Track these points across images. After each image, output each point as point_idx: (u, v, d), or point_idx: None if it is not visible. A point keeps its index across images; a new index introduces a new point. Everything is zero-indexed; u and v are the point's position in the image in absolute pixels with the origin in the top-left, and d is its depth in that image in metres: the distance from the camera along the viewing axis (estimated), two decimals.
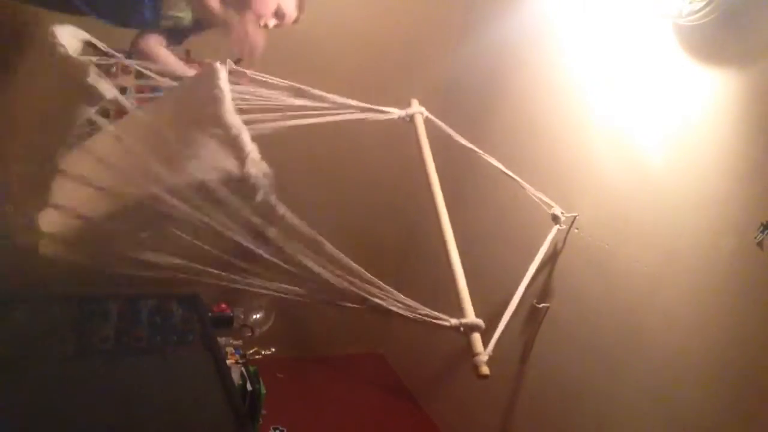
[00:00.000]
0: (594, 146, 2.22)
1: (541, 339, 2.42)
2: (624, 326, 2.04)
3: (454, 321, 1.52)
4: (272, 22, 1.71)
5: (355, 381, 3.42)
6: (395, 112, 1.87)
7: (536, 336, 2.43)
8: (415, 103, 1.96)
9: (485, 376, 1.50)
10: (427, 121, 1.98)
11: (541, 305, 2.39)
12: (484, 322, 1.51)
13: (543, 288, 2.42)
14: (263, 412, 2.17)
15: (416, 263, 3.21)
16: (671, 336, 1.87)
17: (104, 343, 1.85)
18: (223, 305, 2.39)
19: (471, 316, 1.57)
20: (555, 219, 2.25)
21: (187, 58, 2.36)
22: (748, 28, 1.70)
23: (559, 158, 2.36)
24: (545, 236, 2.27)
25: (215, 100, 1.14)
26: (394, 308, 1.33)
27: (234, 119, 1.07)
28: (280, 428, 2.44)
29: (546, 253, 2.40)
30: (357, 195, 3.09)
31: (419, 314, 1.40)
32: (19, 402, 1.52)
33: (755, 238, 1.61)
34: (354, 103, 1.79)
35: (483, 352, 1.51)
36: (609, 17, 2.20)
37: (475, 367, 1.52)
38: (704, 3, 1.70)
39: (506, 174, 2.16)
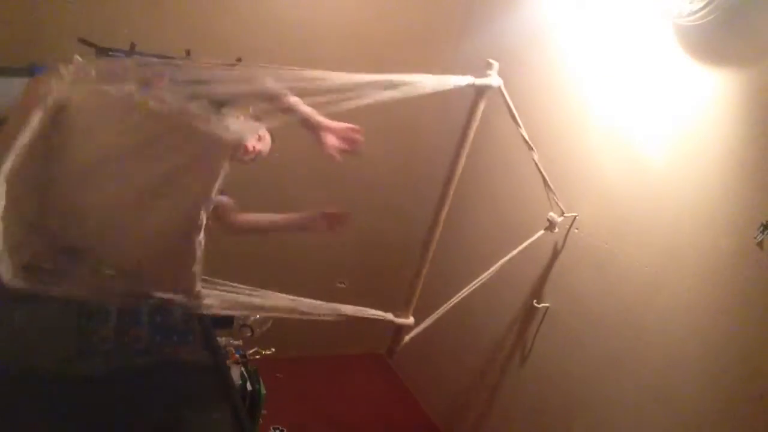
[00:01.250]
0: (594, 146, 2.22)
1: (541, 339, 2.42)
2: (624, 326, 2.04)
3: (389, 317, 1.86)
4: (258, 146, 1.75)
5: (355, 381, 3.42)
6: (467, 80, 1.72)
7: (536, 336, 2.43)
8: (495, 69, 1.78)
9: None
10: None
11: (541, 305, 2.39)
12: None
13: (543, 288, 2.42)
14: (263, 412, 2.17)
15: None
16: (671, 335, 1.87)
17: (104, 343, 1.85)
18: None
19: (408, 316, 1.90)
20: (550, 224, 2.24)
21: (187, 58, 2.36)
22: (748, 28, 1.70)
23: (559, 158, 2.36)
24: (545, 238, 2.28)
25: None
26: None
27: None
28: (280, 428, 2.44)
29: (545, 254, 2.40)
30: (358, 195, 3.09)
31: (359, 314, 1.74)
32: (19, 402, 1.52)
33: (755, 238, 1.61)
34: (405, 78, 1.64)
35: (400, 344, 1.92)
36: (609, 17, 2.20)
37: (390, 353, 1.95)
38: (704, 3, 1.70)
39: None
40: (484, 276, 2.11)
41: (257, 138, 1.76)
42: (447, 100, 1.85)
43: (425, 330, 1.96)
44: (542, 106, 2.50)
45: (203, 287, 1.44)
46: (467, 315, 2.84)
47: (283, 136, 1.85)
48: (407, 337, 1.94)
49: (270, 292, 1.57)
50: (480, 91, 1.73)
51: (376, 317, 1.82)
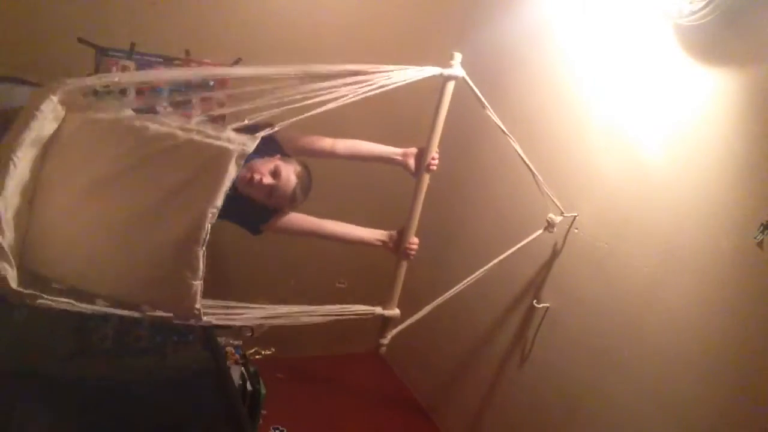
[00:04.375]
0: (594, 146, 2.22)
1: (540, 339, 2.42)
2: (624, 326, 2.04)
3: (377, 310, 1.92)
4: (268, 180, 1.76)
5: (355, 381, 3.42)
6: (434, 70, 1.81)
7: (536, 336, 2.43)
8: (457, 60, 1.85)
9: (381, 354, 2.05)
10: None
11: (540, 305, 2.39)
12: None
13: (543, 288, 2.42)
14: (263, 412, 2.17)
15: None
16: (671, 335, 1.87)
17: (104, 343, 1.85)
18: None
19: (393, 308, 1.96)
20: (549, 225, 2.24)
21: (186, 58, 2.36)
22: (748, 28, 1.70)
23: (559, 158, 2.36)
24: (544, 238, 2.28)
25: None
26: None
27: None
28: (280, 428, 2.44)
29: (545, 254, 2.40)
30: (357, 194, 3.09)
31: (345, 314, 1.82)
32: (18, 402, 1.52)
33: (755, 238, 1.61)
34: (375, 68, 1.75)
35: (386, 338, 1.98)
36: (609, 17, 2.20)
37: (377, 347, 2.01)
38: (704, 3, 1.70)
39: (520, 167, 2.14)
40: (478, 273, 2.12)
41: (272, 171, 1.77)
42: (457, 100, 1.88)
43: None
44: (542, 105, 2.50)
45: (202, 305, 1.43)
46: (467, 315, 2.85)
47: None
48: (394, 331, 1.98)
49: (262, 306, 1.62)
50: (445, 81, 1.83)
51: (364, 313, 1.87)
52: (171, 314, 1.45)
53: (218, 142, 1.41)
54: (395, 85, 1.73)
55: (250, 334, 2.43)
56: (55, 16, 2.42)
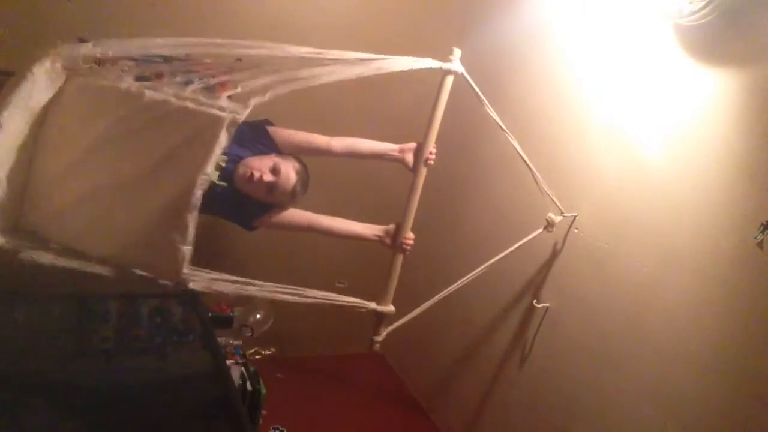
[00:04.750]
0: (594, 146, 2.22)
1: (540, 339, 2.42)
2: (624, 326, 2.04)
3: (371, 305, 1.91)
4: (268, 177, 1.77)
5: (355, 381, 3.42)
6: (434, 63, 1.83)
7: (536, 336, 2.43)
8: (456, 56, 1.86)
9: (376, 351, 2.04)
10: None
11: (540, 305, 2.39)
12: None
13: (543, 288, 2.42)
14: (263, 412, 2.17)
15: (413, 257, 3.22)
16: (671, 335, 1.87)
17: (104, 343, 1.84)
18: (223, 305, 2.39)
19: (387, 304, 1.94)
20: (548, 224, 2.24)
21: (187, 58, 2.35)
22: (748, 28, 1.70)
23: (559, 158, 2.36)
24: (544, 238, 2.28)
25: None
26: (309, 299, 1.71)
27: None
28: (280, 428, 2.44)
29: (545, 254, 2.40)
30: (357, 194, 3.09)
31: (337, 301, 1.81)
32: (18, 402, 1.52)
33: (755, 238, 1.61)
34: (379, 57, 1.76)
35: (380, 335, 1.97)
36: (609, 17, 2.20)
37: (371, 344, 2.00)
38: (704, 3, 1.70)
39: (520, 165, 2.14)
40: (478, 270, 2.13)
41: (271, 168, 1.79)
42: (447, 101, 1.87)
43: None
44: (542, 105, 2.50)
45: (190, 271, 1.45)
46: (467, 314, 2.85)
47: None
48: (389, 328, 1.97)
49: (255, 281, 1.63)
50: (444, 75, 1.85)
51: (358, 305, 1.88)
52: (158, 276, 1.47)
53: (211, 110, 1.43)
54: (391, 70, 1.75)
55: (250, 334, 2.43)
56: (55, 16, 2.42)
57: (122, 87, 1.48)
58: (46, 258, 1.40)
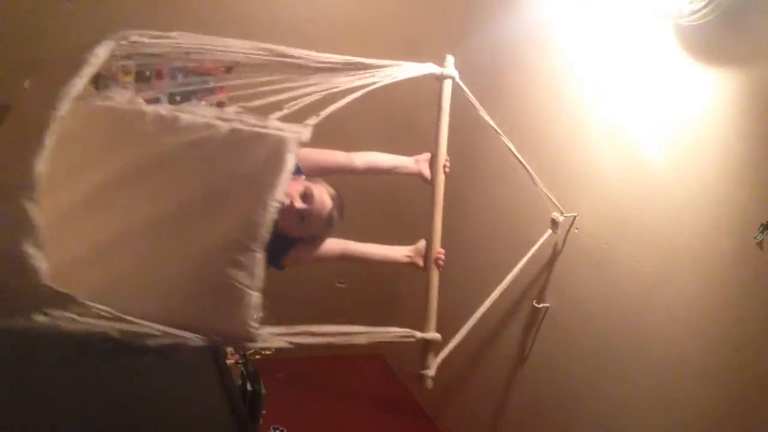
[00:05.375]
0: (594, 146, 2.22)
1: (541, 339, 2.42)
2: (624, 326, 2.04)
3: (419, 335, 1.74)
4: (300, 205, 1.57)
5: (355, 381, 3.42)
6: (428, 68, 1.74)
7: (536, 336, 2.43)
8: (450, 62, 1.82)
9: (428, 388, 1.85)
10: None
11: (540, 305, 2.39)
12: None
13: (543, 288, 2.42)
14: (263, 412, 2.17)
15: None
16: (671, 336, 1.87)
17: (104, 343, 1.84)
18: None
19: (431, 330, 1.78)
20: (553, 224, 2.24)
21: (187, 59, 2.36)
22: (748, 28, 1.70)
23: (559, 158, 2.36)
24: (542, 238, 2.28)
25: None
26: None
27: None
28: (280, 428, 2.44)
29: (545, 254, 2.40)
30: (356, 194, 3.08)
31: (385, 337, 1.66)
32: (18, 402, 1.52)
33: (755, 238, 1.61)
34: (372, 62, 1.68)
35: (431, 368, 1.79)
36: (609, 17, 2.20)
37: (422, 380, 1.82)
38: (704, 3, 1.70)
39: (521, 168, 2.15)
40: (505, 282, 2.13)
41: (302, 194, 1.60)
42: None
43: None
44: (542, 105, 2.50)
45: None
46: (468, 316, 2.84)
47: None
48: (438, 359, 1.80)
49: (315, 327, 1.45)
50: (442, 81, 1.84)
51: (403, 337, 1.70)
52: (217, 334, 1.22)
53: (271, 131, 1.25)
54: (397, 80, 1.71)
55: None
56: (55, 16, 2.42)
57: (145, 109, 1.28)
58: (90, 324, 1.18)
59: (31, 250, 1.02)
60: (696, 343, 1.78)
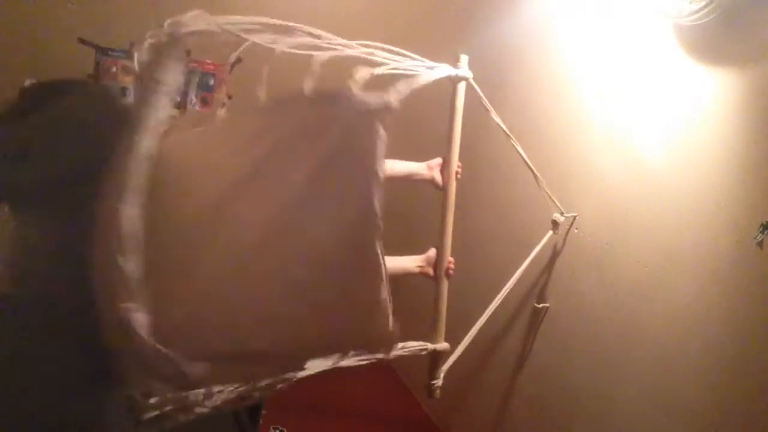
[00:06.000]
0: (594, 146, 2.22)
1: (540, 339, 2.42)
2: (624, 326, 2.04)
3: (430, 347, 1.73)
4: None
5: (355, 381, 3.41)
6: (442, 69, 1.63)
7: (536, 336, 2.43)
8: (464, 62, 1.76)
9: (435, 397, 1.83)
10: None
11: (540, 305, 2.39)
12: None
13: (543, 288, 2.42)
14: (263, 412, 2.16)
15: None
16: (671, 336, 1.86)
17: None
18: None
19: (440, 341, 1.77)
20: (554, 225, 2.24)
21: (187, 58, 2.36)
22: (748, 28, 1.70)
23: (559, 158, 2.36)
24: (542, 238, 2.28)
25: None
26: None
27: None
28: (280, 428, 2.44)
29: (545, 255, 2.40)
30: None
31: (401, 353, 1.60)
32: (18, 402, 1.52)
33: (755, 238, 1.61)
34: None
35: (439, 378, 1.76)
36: (609, 17, 2.20)
37: (429, 391, 1.80)
38: (704, 3, 1.70)
39: (521, 169, 2.14)
40: (506, 288, 2.12)
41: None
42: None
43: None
44: (542, 106, 2.50)
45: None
46: (469, 319, 2.84)
47: None
48: (444, 367, 1.77)
49: None
50: (455, 82, 1.81)
51: (417, 350, 1.67)
52: (364, 350, 1.09)
53: (361, 96, 1.11)
54: (413, 73, 1.57)
55: None
56: (55, 16, 2.42)
57: (220, 123, 1.18)
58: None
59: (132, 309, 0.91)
60: (696, 343, 1.78)
